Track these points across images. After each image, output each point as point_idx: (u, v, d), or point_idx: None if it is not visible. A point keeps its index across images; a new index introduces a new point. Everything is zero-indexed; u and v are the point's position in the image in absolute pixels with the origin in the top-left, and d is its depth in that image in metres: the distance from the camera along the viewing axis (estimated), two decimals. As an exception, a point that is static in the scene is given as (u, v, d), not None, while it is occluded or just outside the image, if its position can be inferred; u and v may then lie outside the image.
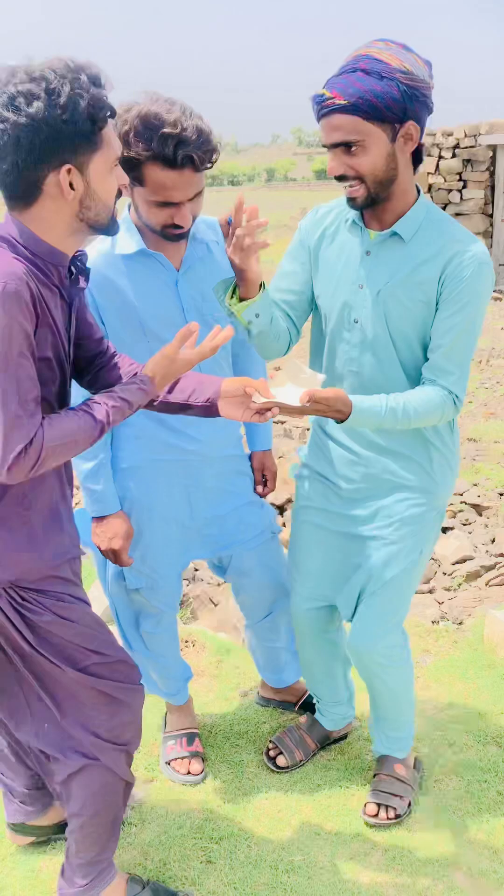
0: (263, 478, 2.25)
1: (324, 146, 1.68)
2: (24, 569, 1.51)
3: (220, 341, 1.57)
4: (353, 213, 1.80)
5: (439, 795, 2.15)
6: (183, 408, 1.68)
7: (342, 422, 1.69)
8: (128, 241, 1.86)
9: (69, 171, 1.34)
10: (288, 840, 2.02)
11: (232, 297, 1.72)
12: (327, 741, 2.33)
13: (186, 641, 2.85)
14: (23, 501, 1.49)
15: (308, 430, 5.62)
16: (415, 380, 1.81)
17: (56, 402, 1.51)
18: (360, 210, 1.75)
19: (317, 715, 2.32)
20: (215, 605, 3.32)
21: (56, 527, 1.56)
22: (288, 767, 2.24)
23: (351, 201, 1.72)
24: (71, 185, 1.35)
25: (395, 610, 1.98)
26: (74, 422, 1.42)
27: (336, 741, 2.35)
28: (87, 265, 1.81)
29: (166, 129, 1.63)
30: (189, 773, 2.24)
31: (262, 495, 2.25)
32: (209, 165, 1.72)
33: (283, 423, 5.79)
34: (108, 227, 1.46)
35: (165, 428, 1.98)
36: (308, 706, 2.44)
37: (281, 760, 2.25)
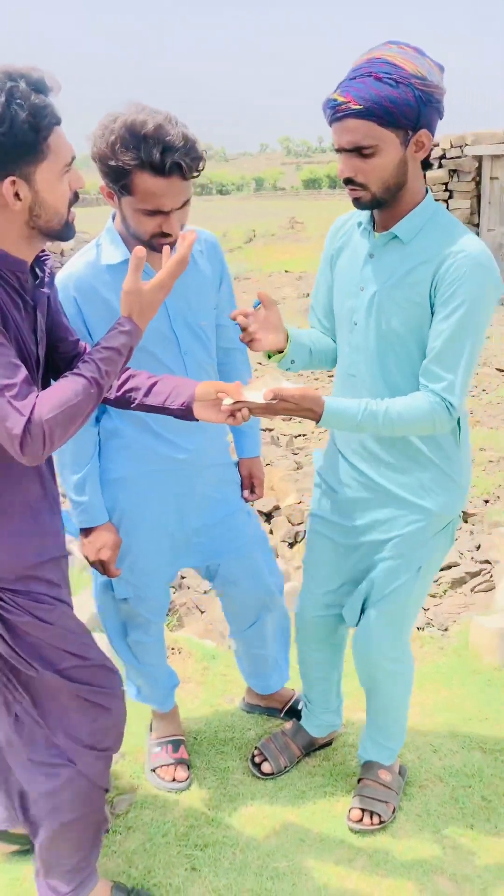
0: (251, 485, 2.26)
1: (336, 150, 1.67)
2: (3, 568, 1.51)
3: (185, 250, 1.53)
4: (365, 217, 1.80)
5: (424, 801, 2.16)
6: (159, 411, 1.70)
7: (317, 422, 1.69)
8: (112, 251, 1.86)
9: (13, 182, 1.33)
10: (273, 846, 2.02)
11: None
12: (312, 747, 2.34)
13: (173, 649, 2.85)
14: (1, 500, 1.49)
15: (296, 437, 5.64)
16: (417, 386, 1.75)
17: None
18: (367, 209, 1.74)
19: (303, 721, 2.32)
20: (202, 613, 3.32)
21: (35, 527, 1.56)
22: (273, 774, 2.25)
23: (356, 201, 1.71)
24: (17, 195, 1.34)
25: (399, 620, 1.97)
26: (67, 387, 1.40)
27: (321, 747, 2.36)
28: (72, 275, 1.83)
29: (152, 137, 1.64)
30: (174, 780, 2.23)
31: (249, 501, 2.25)
32: (196, 174, 1.73)
33: (270, 430, 5.80)
34: (62, 233, 1.45)
35: (155, 438, 1.98)
36: (294, 712, 2.45)
37: (266, 767, 2.26)
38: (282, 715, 2.49)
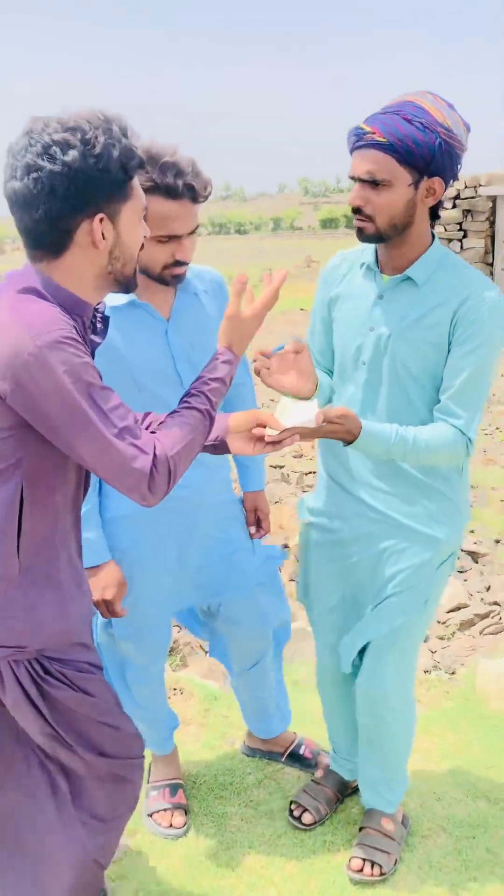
0: (257, 519, 2.23)
1: (350, 177, 1.72)
2: (53, 635, 1.45)
3: (279, 283, 1.57)
4: (368, 258, 1.83)
5: (426, 852, 2.09)
6: None
7: (350, 443, 1.69)
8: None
9: (101, 220, 1.34)
10: (270, 898, 1.97)
11: None
12: (346, 791, 2.28)
13: (174, 689, 2.82)
14: (55, 558, 1.45)
15: (306, 474, 5.63)
16: (421, 422, 1.80)
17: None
18: (369, 242, 1.77)
19: (332, 766, 2.28)
20: (206, 653, 3.29)
21: (79, 583, 1.52)
22: (314, 823, 2.18)
23: (359, 232, 1.75)
24: (102, 234, 1.35)
25: (408, 655, 1.97)
26: (184, 421, 1.41)
27: (355, 790, 2.28)
28: None
29: (167, 160, 1.70)
30: (171, 825, 2.19)
31: (255, 538, 2.22)
32: (204, 198, 1.78)
33: (281, 467, 5.79)
34: (130, 282, 1.44)
35: None
36: (295, 757, 2.40)
37: (307, 818, 2.18)
38: (283, 759, 2.44)
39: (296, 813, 2.21)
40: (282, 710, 2.41)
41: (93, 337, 1.49)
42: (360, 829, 2.11)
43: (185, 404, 1.45)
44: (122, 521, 1.99)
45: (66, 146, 1.27)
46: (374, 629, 1.94)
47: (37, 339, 1.25)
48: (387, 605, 1.90)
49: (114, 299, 1.86)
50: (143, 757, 1.67)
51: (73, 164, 1.27)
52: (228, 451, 1.64)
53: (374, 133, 1.63)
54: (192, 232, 1.80)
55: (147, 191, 1.68)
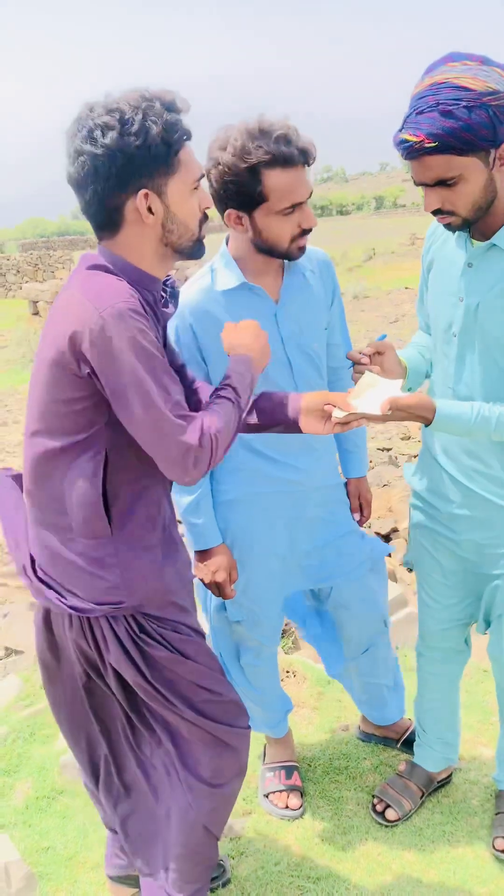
0: (360, 506, 2.21)
1: (417, 184, 1.61)
2: (149, 593, 1.52)
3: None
4: None
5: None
6: (263, 427, 1.69)
7: (428, 426, 1.66)
8: (227, 276, 1.87)
9: (146, 195, 1.38)
10: (388, 885, 1.94)
11: None
12: (432, 785, 2.23)
13: (287, 672, 2.83)
14: (147, 523, 1.52)
15: (414, 456, 5.51)
16: None
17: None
18: (462, 230, 1.69)
19: (416, 757, 2.23)
20: (317, 636, 3.28)
21: (173, 549, 1.58)
22: (398, 820, 2.14)
23: (448, 227, 1.67)
24: (150, 209, 1.40)
25: None
26: (222, 407, 1.47)
27: (440, 785, 2.26)
28: (188, 302, 1.86)
29: (279, 133, 1.71)
30: (287, 807, 2.20)
31: (359, 524, 2.21)
32: (314, 159, 1.78)
33: (388, 450, 5.70)
34: (194, 251, 1.50)
35: (265, 460, 1.98)
36: (410, 743, 2.36)
37: (390, 814, 2.15)
38: (398, 745, 2.41)
39: (378, 808, 2.17)
40: (397, 696, 2.37)
41: (164, 310, 1.54)
42: (497, 813, 2.09)
43: (216, 395, 1.51)
44: (234, 504, 2.01)
45: (105, 128, 1.34)
46: (492, 605, 1.89)
47: (102, 311, 1.32)
48: (499, 585, 1.84)
49: (225, 282, 1.87)
50: (248, 727, 1.68)
51: (112, 146, 1.33)
52: (301, 431, 1.67)
53: (422, 140, 1.49)
54: (309, 197, 1.81)
55: (266, 164, 1.69)
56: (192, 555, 2.04)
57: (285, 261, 1.91)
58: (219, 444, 1.41)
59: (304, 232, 1.80)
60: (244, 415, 1.52)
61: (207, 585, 2.01)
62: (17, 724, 2.65)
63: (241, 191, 1.73)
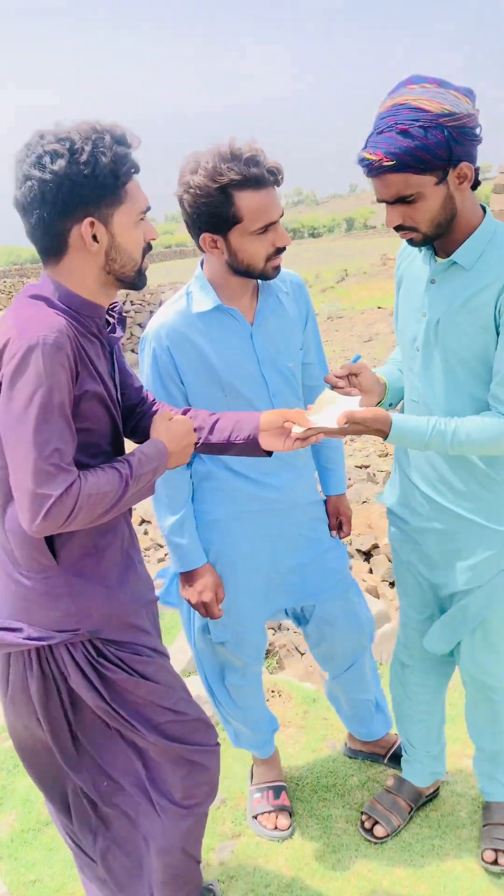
0: (339, 523, 2.23)
1: (379, 201, 1.67)
2: (105, 618, 1.52)
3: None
4: None
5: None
6: (225, 447, 1.70)
7: (385, 439, 1.68)
8: (203, 298, 1.89)
9: (91, 223, 1.40)
10: (379, 902, 1.94)
11: None
12: (420, 800, 2.23)
13: (272, 692, 2.82)
14: (97, 553, 1.51)
15: (393, 474, 5.55)
16: (479, 410, 1.73)
17: (111, 448, 1.54)
18: (423, 246, 1.74)
19: (404, 772, 2.23)
20: (301, 655, 3.28)
21: (130, 571, 1.58)
22: (387, 836, 2.14)
23: (410, 242, 1.72)
24: (95, 237, 1.41)
25: (499, 641, 1.91)
26: (106, 474, 1.42)
27: (429, 799, 2.26)
28: (164, 325, 1.87)
29: (248, 155, 1.74)
30: (276, 828, 2.19)
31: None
32: (282, 179, 1.83)
33: (366, 467, 5.74)
34: (135, 280, 1.51)
35: (244, 480, 1.99)
36: (397, 758, 2.36)
37: (378, 830, 2.14)
38: (385, 760, 2.41)
39: (367, 825, 2.16)
40: (383, 712, 2.38)
41: (112, 335, 1.55)
42: (484, 825, 2.08)
43: (110, 463, 1.47)
44: (216, 524, 2.02)
45: (55, 155, 1.36)
46: (462, 627, 1.90)
47: (22, 338, 1.33)
48: (470, 600, 1.86)
49: (200, 305, 1.89)
50: (218, 745, 1.68)
51: (60, 172, 1.35)
52: (262, 449, 1.67)
53: (381, 159, 1.55)
54: (280, 217, 1.85)
55: (237, 186, 1.73)
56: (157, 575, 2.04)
57: (260, 283, 1.94)
58: (82, 506, 1.35)
59: (279, 251, 1.83)
60: (130, 495, 1.45)
61: (195, 606, 2.00)
62: (0, 757, 2.62)
63: (214, 212, 1.75)
